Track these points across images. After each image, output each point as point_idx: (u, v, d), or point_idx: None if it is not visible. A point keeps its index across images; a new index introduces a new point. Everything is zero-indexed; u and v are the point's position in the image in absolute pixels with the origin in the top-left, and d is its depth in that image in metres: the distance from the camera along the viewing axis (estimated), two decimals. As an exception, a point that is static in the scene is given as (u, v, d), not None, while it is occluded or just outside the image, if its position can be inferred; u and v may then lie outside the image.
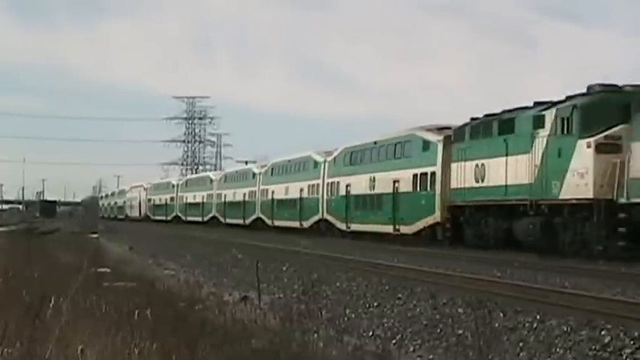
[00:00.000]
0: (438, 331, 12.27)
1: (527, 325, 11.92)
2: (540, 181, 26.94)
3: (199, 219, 72.52)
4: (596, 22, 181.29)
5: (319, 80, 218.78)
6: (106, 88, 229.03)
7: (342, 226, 43.91)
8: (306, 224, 49.27)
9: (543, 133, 27.08)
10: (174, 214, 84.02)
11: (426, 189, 35.31)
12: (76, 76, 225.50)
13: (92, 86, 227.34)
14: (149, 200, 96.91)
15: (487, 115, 31.84)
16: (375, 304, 15.08)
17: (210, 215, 70.46)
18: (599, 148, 24.77)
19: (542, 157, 26.97)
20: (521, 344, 10.96)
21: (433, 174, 34.87)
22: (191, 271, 24.11)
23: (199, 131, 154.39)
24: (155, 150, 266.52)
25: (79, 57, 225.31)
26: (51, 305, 9.41)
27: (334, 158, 46.64)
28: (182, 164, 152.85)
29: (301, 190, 50.30)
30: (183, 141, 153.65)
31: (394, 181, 38.17)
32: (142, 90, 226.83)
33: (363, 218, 41.37)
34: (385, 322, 13.29)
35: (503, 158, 29.20)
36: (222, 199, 67.35)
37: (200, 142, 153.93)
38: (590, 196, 24.67)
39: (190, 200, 78.63)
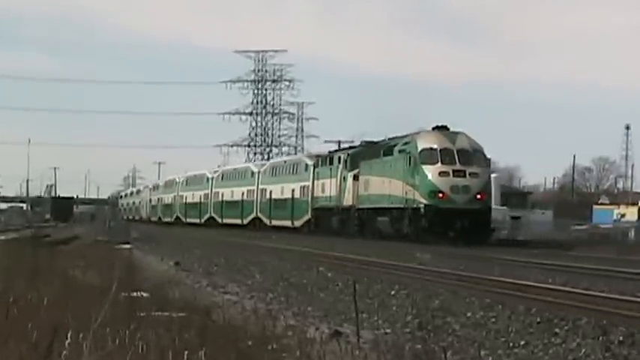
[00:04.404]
0: (613, 381, 12.16)
1: None
2: (339, 194, 66.73)
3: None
4: None
5: (436, 28, 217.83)
6: (140, 41, 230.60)
7: (267, 222, 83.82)
8: (245, 221, 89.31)
9: (340, 167, 67.56)
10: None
11: (305, 196, 74.43)
12: (97, 24, 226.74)
13: (120, 39, 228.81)
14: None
15: (330, 151, 74.42)
16: (522, 342, 15.06)
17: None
18: (354, 178, 63.73)
19: (339, 180, 67.06)
20: None
21: (308, 187, 73.85)
22: (261, 295, 24.26)
23: (272, 99, 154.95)
24: (210, 126, 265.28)
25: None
26: (67, 343, 9.53)
27: (265, 170, 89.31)
28: (248, 145, 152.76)
29: (242, 193, 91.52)
30: (250, 113, 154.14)
31: (292, 190, 77.63)
32: (190, 43, 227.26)
33: (277, 215, 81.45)
34: (536, 369, 13.22)
35: (329, 180, 69.39)
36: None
37: (274, 114, 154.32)
38: (351, 204, 64.06)
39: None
